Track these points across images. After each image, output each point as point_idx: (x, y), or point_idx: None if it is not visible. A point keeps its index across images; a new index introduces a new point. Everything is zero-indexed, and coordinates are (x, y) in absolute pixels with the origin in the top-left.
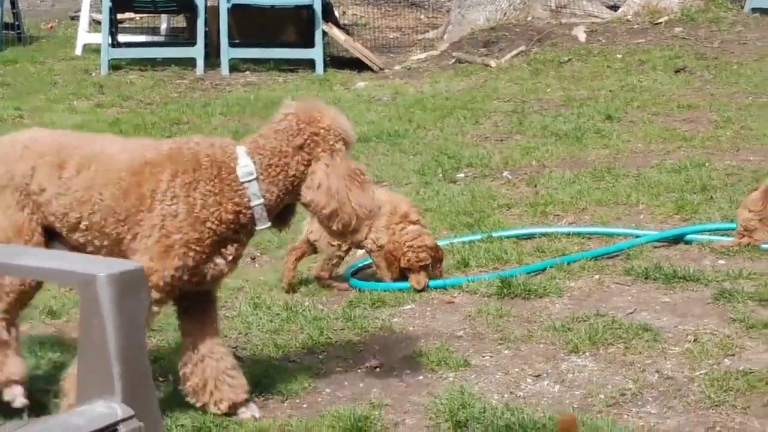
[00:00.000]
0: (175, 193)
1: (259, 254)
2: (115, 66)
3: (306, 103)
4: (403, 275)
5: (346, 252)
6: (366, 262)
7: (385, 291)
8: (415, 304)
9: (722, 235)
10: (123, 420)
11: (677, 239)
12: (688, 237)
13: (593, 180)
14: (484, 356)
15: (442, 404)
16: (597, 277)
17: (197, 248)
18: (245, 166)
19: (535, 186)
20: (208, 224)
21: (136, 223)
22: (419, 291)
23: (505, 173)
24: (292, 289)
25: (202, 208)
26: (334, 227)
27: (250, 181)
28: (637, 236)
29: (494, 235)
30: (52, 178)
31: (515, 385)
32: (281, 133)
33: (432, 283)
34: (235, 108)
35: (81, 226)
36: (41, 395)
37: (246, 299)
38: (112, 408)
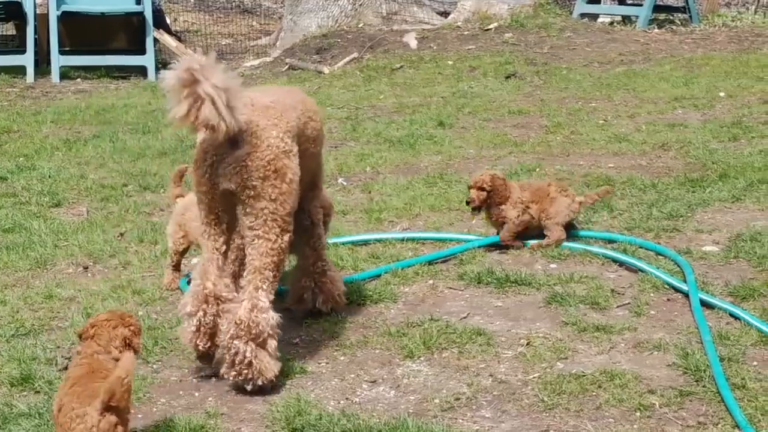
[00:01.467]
0: None
1: (92, 264)
2: None
3: None
4: None
5: (183, 254)
6: None
7: None
8: None
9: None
10: None
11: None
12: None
13: (426, 186)
14: (320, 363)
15: (278, 412)
16: (431, 282)
17: None
18: None
19: (370, 192)
20: None
21: None
22: None
23: (340, 180)
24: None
25: None
26: None
27: None
28: (468, 241)
29: (330, 241)
30: None
31: (351, 391)
32: None
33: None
34: (67, 116)
35: None
36: None
37: (79, 310)
38: None
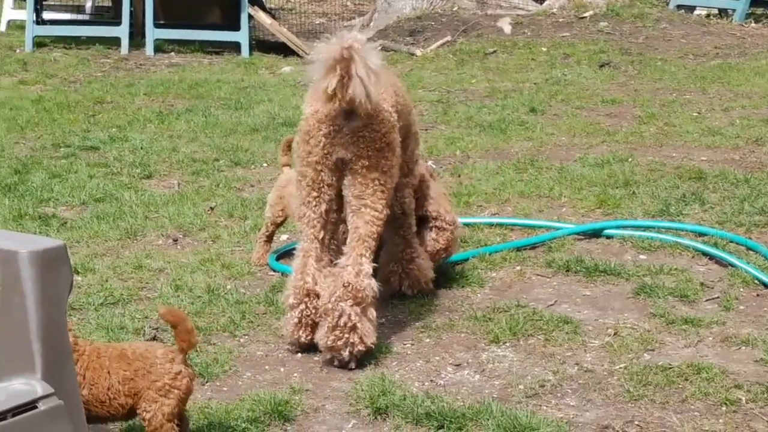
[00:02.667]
0: None
1: (181, 236)
2: (39, 43)
3: None
4: None
5: (278, 226)
6: (292, 247)
7: None
8: None
9: (643, 231)
10: (42, 397)
11: (596, 233)
12: (607, 232)
13: (516, 172)
14: (405, 344)
15: (362, 390)
16: (518, 268)
17: None
18: None
19: (459, 176)
20: None
21: None
22: None
23: (429, 162)
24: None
25: None
26: None
27: None
28: (558, 228)
29: None
30: None
31: (436, 373)
32: None
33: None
34: (159, 89)
35: None
36: None
37: (167, 281)
38: (31, 385)
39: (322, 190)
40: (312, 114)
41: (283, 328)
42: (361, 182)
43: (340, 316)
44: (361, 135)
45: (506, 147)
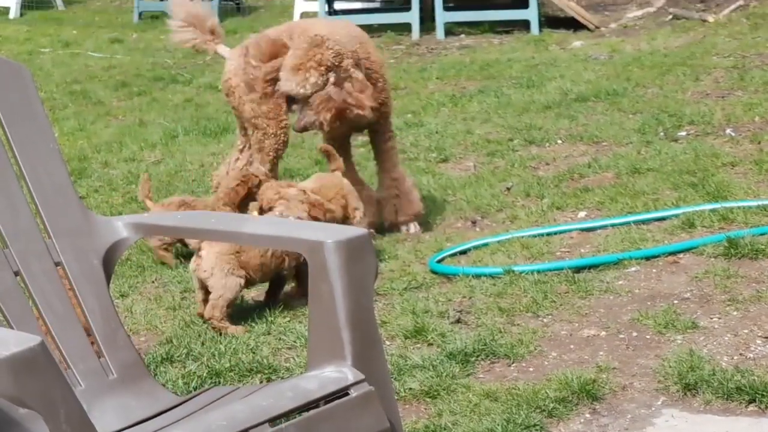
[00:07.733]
0: None
1: (479, 218)
2: None
3: None
4: None
5: None
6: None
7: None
8: (640, 266)
9: None
10: (354, 384)
11: None
12: None
13: None
14: (712, 318)
15: (670, 367)
16: None
17: None
18: None
19: (759, 143)
20: None
21: None
22: None
23: (728, 130)
24: None
25: None
26: None
27: None
28: None
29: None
30: None
31: (745, 346)
32: None
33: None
34: (451, 72)
35: None
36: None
37: (468, 263)
38: (342, 372)
39: None
40: None
41: None
42: None
43: None
44: None
45: None
